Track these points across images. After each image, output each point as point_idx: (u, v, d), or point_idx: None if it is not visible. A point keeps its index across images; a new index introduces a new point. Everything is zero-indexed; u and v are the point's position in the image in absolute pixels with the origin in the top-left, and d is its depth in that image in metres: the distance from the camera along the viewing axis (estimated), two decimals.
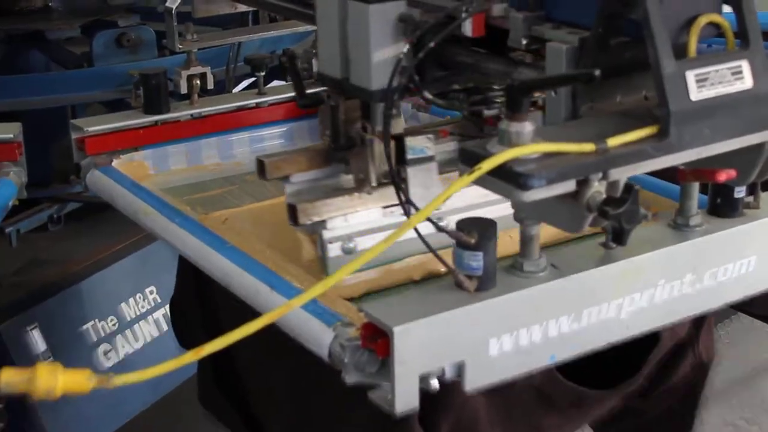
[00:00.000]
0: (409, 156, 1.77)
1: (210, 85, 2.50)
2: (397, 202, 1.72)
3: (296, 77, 1.92)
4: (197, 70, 2.47)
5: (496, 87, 1.81)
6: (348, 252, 1.79)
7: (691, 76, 1.40)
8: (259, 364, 2.19)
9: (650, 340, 1.95)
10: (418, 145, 1.77)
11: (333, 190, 1.83)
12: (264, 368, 2.17)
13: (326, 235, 1.78)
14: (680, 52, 1.41)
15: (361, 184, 1.81)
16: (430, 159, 1.79)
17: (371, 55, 1.65)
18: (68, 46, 3.92)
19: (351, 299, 1.73)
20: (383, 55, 1.65)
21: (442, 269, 1.73)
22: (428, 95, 1.69)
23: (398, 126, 1.78)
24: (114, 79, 3.48)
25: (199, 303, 2.34)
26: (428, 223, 1.43)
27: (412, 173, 1.77)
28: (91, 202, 3.84)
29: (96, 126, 2.31)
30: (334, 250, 1.79)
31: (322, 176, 1.85)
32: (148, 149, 2.34)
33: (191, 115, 2.41)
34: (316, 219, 1.78)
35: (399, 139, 1.77)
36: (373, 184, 1.79)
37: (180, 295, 2.47)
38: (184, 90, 2.45)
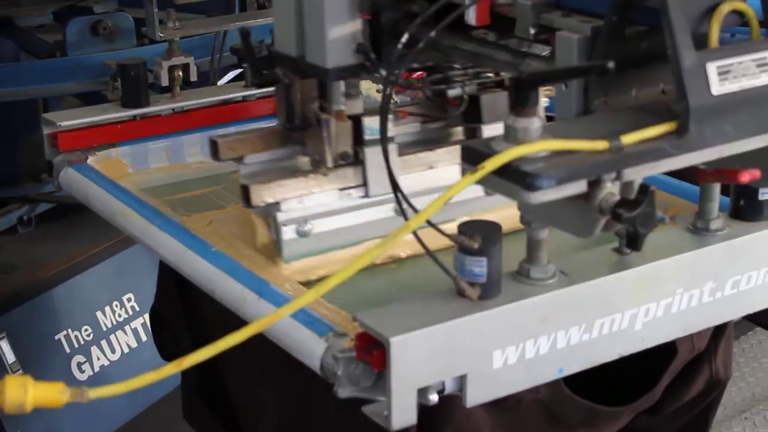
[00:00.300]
0: (367, 136, 1.84)
1: (193, 77, 2.50)
2: (354, 184, 1.86)
3: (251, 55, 1.96)
4: (179, 60, 2.47)
5: (457, 66, 1.88)
6: (303, 235, 1.84)
7: (712, 68, 1.40)
8: (247, 375, 2.19)
9: (666, 351, 1.95)
10: (376, 125, 1.81)
11: (289, 172, 1.88)
12: (253, 380, 2.17)
13: (280, 217, 1.83)
14: (701, 42, 1.41)
15: (317, 166, 1.85)
16: (389, 140, 1.82)
17: (326, 32, 1.70)
18: (39, 34, 3.92)
19: (306, 283, 1.79)
20: (339, 32, 1.71)
21: (403, 254, 1.86)
22: (385, 74, 1.72)
23: (357, 106, 1.86)
24: (89, 70, 3.48)
25: (182, 311, 2.33)
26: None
27: (370, 154, 1.84)
28: (64, 202, 3.83)
29: (70, 120, 2.31)
30: (288, 233, 1.83)
31: (278, 157, 1.91)
32: (126, 145, 2.33)
33: (173, 109, 2.41)
34: (270, 200, 1.82)
35: (356, 119, 1.83)
36: (329, 165, 1.84)
37: (161, 303, 2.46)
38: (165, 82, 2.45)
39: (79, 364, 3.35)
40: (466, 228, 1.44)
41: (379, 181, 1.86)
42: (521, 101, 1.34)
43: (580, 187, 1.34)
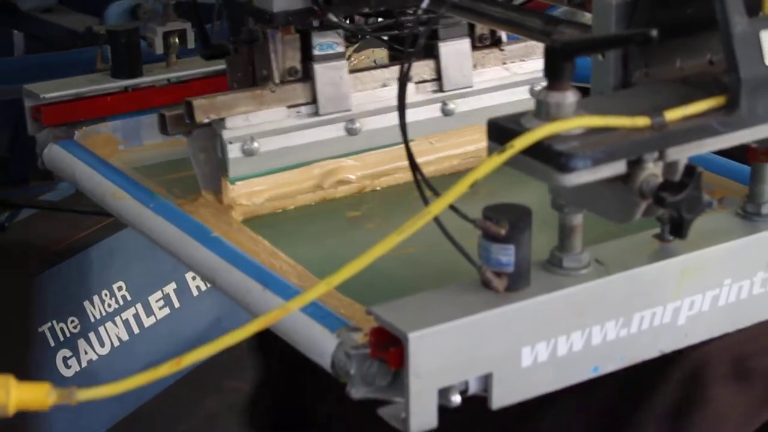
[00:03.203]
0: (316, 52, 1.98)
1: (191, 44, 2.49)
2: (303, 101, 1.99)
3: (199, 25, 2.13)
4: (175, 26, 2.45)
5: (409, 12, 2.03)
6: (249, 153, 1.97)
7: (767, 36, 1.39)
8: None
9: None
10: (326, 40, 1.98)
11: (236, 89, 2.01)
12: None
13: (225, 134, 1.95)
14: (754, 7, 1.41)
15: (264, 82, 1.98)
16: (340, 56, 2.01)
17: None
18: (47, 18, 3.83)
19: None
20: None
21: (351, 176, 2.05)
22: (333, 18, 1.92)
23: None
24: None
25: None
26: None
27: (320, 71, 1.99)
28: (49, 208, 3.79)
29: (54, 92, 2.31)
30: (234, 151, 1.96)
31: None
32: (116, 120, 2.33)
33: (168, 80, 2.41)
34: (214, 117, 1.94)
35: (305, 35, 1.98)
36: (276, 81, 1.97)
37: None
38: (159, 50, 2.44)
39: (65, 359, 3.34)
40: (491, 212, 1.44)
41: (330, 99, 2.01)
42: (554, 74, 1.34)
43: (618, 168, 1.34)
